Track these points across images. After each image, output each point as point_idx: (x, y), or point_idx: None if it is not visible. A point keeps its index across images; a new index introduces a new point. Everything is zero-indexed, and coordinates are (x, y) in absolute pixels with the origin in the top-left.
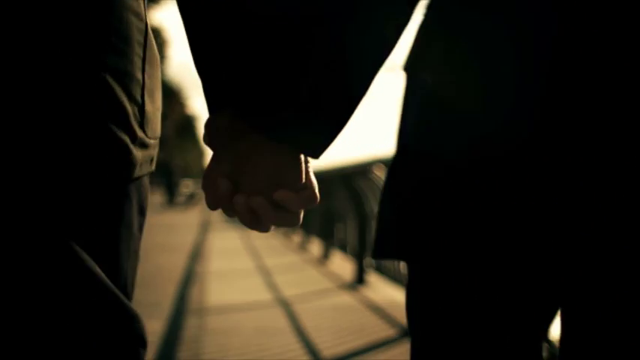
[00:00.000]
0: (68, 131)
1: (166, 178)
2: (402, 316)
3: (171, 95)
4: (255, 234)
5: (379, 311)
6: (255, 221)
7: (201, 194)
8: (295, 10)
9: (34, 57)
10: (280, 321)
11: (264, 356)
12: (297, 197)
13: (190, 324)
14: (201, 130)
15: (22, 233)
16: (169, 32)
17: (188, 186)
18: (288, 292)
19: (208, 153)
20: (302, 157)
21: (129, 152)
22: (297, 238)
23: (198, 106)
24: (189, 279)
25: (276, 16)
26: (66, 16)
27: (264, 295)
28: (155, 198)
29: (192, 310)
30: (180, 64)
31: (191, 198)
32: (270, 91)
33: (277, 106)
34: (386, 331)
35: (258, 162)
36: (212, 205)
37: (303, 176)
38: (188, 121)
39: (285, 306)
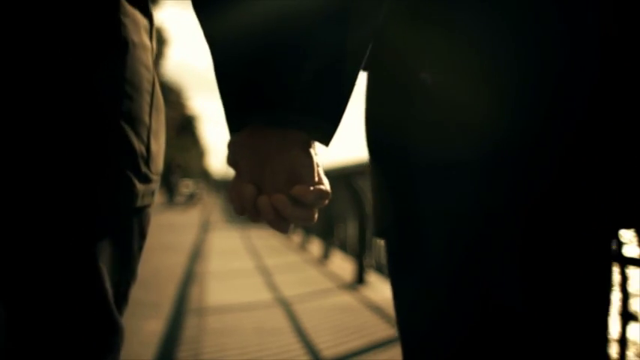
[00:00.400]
0: (88, 165)
1: (166, 177)
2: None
3: (171, 95)
4: (255, 234)
5: (379, 311)
6: (278, 219)
7: (201, 194)
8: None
9: (65, 103)
10: (280, 321)
11: (264, 356)
12: (313, 192)
13: (190, 324)
14: (200, 129)
15: (50, 244)
16: (169, 32)
17: (188, 186)
18: (288, 292)
19: (208, 153)
20: (313, 154)
21: (133, 185)
22: (297, 238)
23: (197, 106)
24: (189, 279)
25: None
26: (91, 71)
27: (264, 295)
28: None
29: (192, 309)
30: (178, 63)
31: (191, 198)
32: (281, 89)
33: (289, 101)
34: (386, 331)
35: (276, 164)
36: (240, 211)
37: (316, 172)
38: (188, 121)
39: (285, 306)
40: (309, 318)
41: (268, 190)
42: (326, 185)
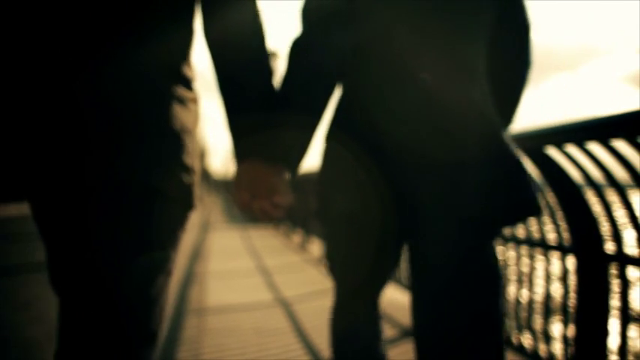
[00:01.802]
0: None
1: None
2: (402, 316)
3: None
4: (255, 234)
5: None
6: (264, 215)
7: (201, 194)
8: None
9: (149, 163)
10: (280, 321)
11: (264, 356)
12: (284, 200)
13: (190, 324)
14: (200, 130)
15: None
16: None
17: None
18: (288, 292)
19: (208, 153)
20: (285, 177)
21: (192, 200)
22: (297, 238)
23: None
24: (188, 279)
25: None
26: (166, 144)
27: (264, 295)
28: None
29: (192, 310)
30: None
31: None
32: (273, 145)
33: (277, 152)
34: (386, 331)
35: (263, 182)
36: (240, 208)
37: (286, 188)
38: None
39: (285, 306)
40: (309, 318)
41: (259, 197)
42: (290, 196)
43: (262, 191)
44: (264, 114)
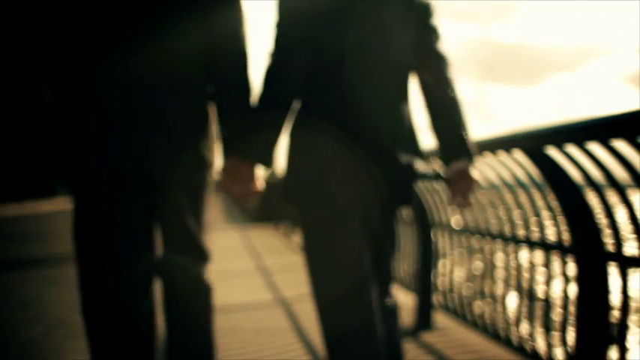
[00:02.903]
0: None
1: None
2: (401, 316)
3: None
4: (255, 234)
5: None
6: (242, 198)
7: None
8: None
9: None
10: (280, 321)
11: (264, 356)
12: (257, 186)
13: None
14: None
15: None
16: None
17: None
18: (288, 292)
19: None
20: (259, 170)
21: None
22: (297, 238)
23: None
24: None
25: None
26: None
27: (264, 295)
28: None
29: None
30: None
31: None
32: (249, 148)
33: (253, 153)
34: None
35: (242, 174)
36: (225, 192)
37: (259, 178)
38: None
39: (285, 306)
40: (309, 318)
41: (238, 184)
42: (262, 184)
43: (241, 180)
44: (244, 126)
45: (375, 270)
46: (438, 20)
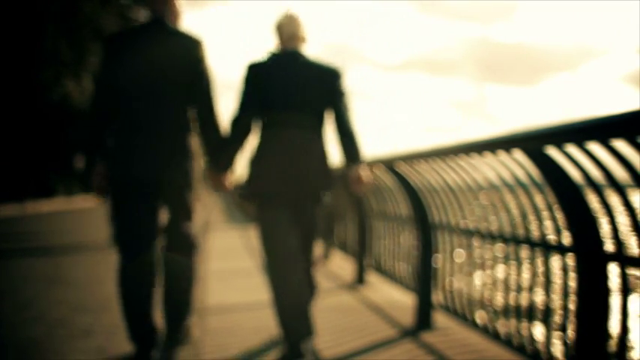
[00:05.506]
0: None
1: None
2: (401, 315)
3: None
4: (255, 234)
5: (379, 311)
6: (218, 188)
7: (201, 194)
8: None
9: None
10: None
11: (264, 356)
12: (226, 183)
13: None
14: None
15: None
16: None
17: None
18: None
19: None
20: (229, 175)
21: (193, 183)
22: None
23: None
24: None
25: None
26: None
27: (264, 295)
28: None
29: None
30: None
31: None
32: (220, 166)
33: (221, 167)
34: (386, 331)
35: (217, 178)
36: (213, 190)
37: (229, 180)
38: None
39: None
40: None
41: (216, 182)
42: (230, 182)
43: (218, 181)
44: (217, 152)
45: (302, 248)
46: (344, 82)
